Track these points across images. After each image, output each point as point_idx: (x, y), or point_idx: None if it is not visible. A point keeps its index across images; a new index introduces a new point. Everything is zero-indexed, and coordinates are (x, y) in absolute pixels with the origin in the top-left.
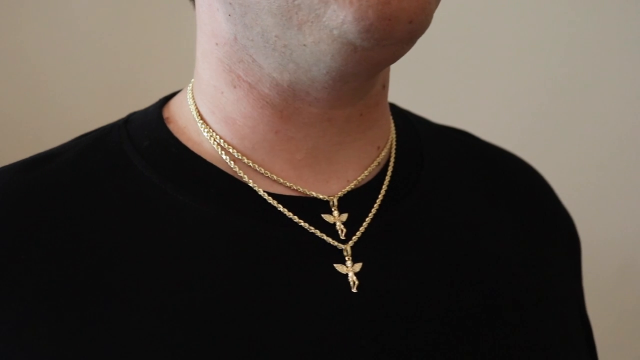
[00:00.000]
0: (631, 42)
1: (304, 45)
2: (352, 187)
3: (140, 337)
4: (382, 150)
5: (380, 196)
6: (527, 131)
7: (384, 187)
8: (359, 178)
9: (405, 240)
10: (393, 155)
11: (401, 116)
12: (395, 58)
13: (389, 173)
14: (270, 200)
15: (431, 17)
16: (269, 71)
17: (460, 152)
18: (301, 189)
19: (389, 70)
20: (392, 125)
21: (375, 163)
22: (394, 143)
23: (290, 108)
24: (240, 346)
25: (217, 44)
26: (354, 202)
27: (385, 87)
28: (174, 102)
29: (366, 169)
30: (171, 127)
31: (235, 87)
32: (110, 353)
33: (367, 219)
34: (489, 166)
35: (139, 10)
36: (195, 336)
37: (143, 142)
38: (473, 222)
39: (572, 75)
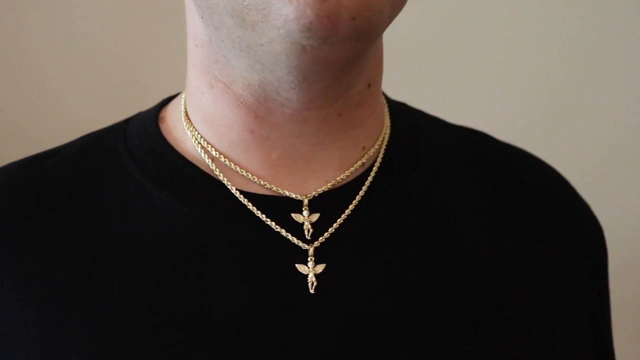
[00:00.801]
0: (626, 37)
1: (261, 45)
2: (330, 187)
3: (103, 324)
4: (369, 151)
5: (358, 197)
6: (522, 128)
7: (364, 188)
8: (337, 178)
9: (379, 243)
10: (381, 156)
11: (406, 116)
12: (351, 57)
13: (372, 174)
14: (241, 198)
15: (383, 13)
16: (240, 71)
17: (470, 154)
18: (275, 188)
19: (377, 69)
20: (388, 125)
21: (359, 164)
22: (385, 144)
23: (263, 108)
24: (188, 340)
25: (197, 45)
26: (329, 203)
27: (371, 86)
28: (172, 102)
29: (348, 170)
30: (162, 126)
31: (212, 87)
32: (78, 335)
33: (339, 220)
34: (499, 169)
35: (139, 10)
36: (146, 327)
37: (134, 140)
38: (465, 227)
39: (568, 71)
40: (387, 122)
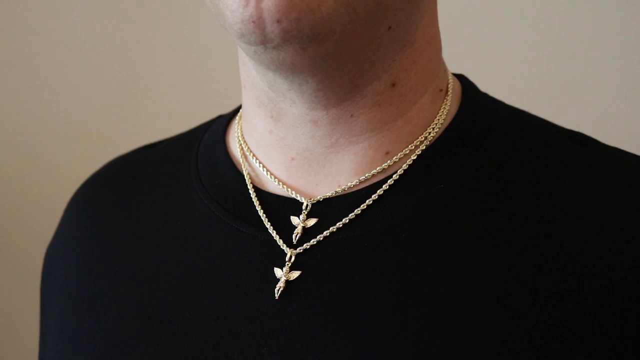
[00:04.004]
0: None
1: (241, 46)
2: (339, 192)
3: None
4: (394, 156)
5: (363, 206)
6: None
7: (374, 197)
8: (349, 184)
9: (362, 261)
10: (409, 163)
11: (482, 118)
12: (311, 59)
13: (389, 182)
14: (253, 196)
15: (319, 12)
16: (254, 72)
17: (548, 168)
18: (286, 189)
19: (411, 68)
20: (441, 127)
21: (378, 170)
22: (422, 149)
23: (276, 108)
24: (149, 322)
25: (238, 47)
26: (331, 209)
27: (397, 85)
28: None
29: (363, 175)
30: (232, 123)
31: (245, 87)
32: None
33: (332, 228)
34: (583, 190)
35: (138, 12)
36: (123, 302)
37: (206, 135)
38: (474, 265)
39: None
40: (440, 124)
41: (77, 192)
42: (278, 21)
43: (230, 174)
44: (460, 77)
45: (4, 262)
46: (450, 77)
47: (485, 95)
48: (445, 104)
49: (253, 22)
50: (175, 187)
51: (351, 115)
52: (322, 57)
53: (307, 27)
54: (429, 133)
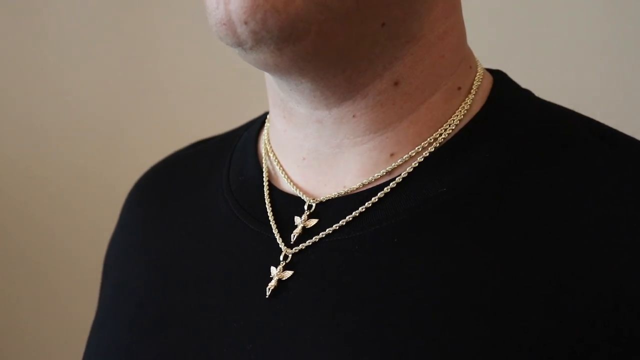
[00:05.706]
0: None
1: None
2: (342, 193)
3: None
4: (399, 158)
5: (362, 208)
6: None
7: (373, 199)
8: (353, 186)
9: (357, 261)
10: (414, 165)
11: (505, 118)
12: (286, 60)
13: (392, 184)
14: (265, 194)
15: (285, 13)
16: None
17: (569, 170)
18: (294, 188)
19: (416, 66)
20: (454, 128)
21: (382, 172)
22: (430, 151)
23: (286, 108)
24: (160, 311)
25: None
26: (332, 210)
27: (400, 84)
28: None
29: (367, 177)
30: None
31: (267, 88)
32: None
33: (329, 229)
34: (600, 194)
35: (139, 13)
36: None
37: (245, 132)
38: (466, 273)
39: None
40: (455, 124)
41: (135, 184)
42: (245, 23)
43: (252, 172)
44: (497, 74)
45: (4, 262)
46: (480, 73)
47: (524, 94)
48: (465, 103)
49: (224, 24)
50: (208, 182)
51: (353, 116)
52: (302, 57)
53: (274, 28)
54: (440, 134)
